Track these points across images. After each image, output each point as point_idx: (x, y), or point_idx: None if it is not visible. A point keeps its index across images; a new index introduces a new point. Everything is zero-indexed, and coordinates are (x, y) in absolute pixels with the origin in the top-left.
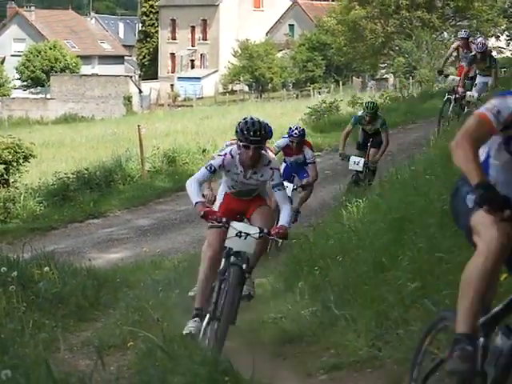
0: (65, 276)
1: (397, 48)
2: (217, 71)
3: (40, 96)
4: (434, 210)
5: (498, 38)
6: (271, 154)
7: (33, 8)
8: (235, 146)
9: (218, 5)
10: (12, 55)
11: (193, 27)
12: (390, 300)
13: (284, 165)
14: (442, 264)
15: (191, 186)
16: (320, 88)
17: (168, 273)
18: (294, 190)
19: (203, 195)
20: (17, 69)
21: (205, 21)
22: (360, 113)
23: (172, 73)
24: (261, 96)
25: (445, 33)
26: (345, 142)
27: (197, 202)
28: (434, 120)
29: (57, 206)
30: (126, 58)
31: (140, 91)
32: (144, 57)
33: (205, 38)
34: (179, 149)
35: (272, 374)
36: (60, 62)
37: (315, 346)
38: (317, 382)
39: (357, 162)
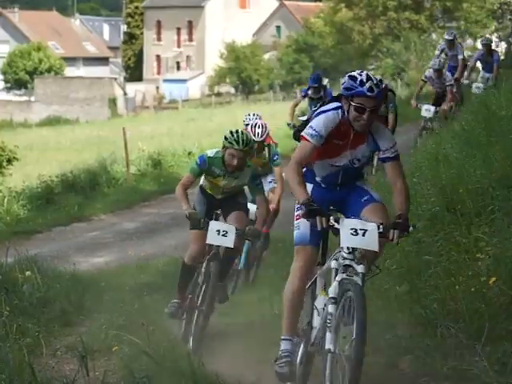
0: (48, 280)
1: (385, 50)
2: (203, 73)
3: (24, 98)
4: (421, 213)
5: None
6: None
7: (16, 9)
8: None
9: (203, 6)
10: None
11: (178, 29)
12: (377, 304)
13: None
14: (429, 268)
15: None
16: None
17: (152, 277)
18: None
19: None
20: (1, 70)
21: (190, 22)
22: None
23: (157, 75)
24: (247, 98)
25: (433, 34)
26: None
27: None
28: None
29: (41, 209)
30: (110, 59)
31: (125, 93)
32: (129, 58)
33: (190, 40)
34: (165, 151)
35: (257, 378)
36: (44, 64)
37: None
38: None
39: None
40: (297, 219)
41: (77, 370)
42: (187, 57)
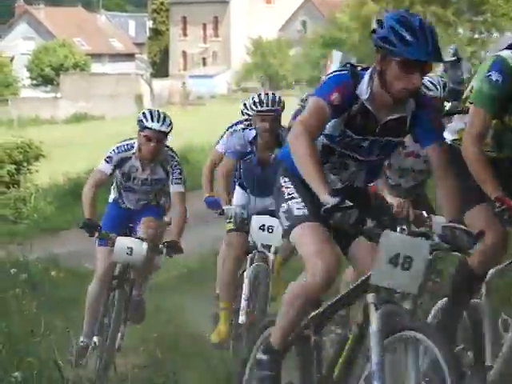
0: (75, 278)
1: None
2: (229, 69)
3: (50, 95)
4: None
5: None
6: None
7: (41, 6)
8: None
9: (228, 1)
10: (22, 54)
11: (204, 24)
12: None
13: None
14: None
15: None
16: None
17: (178, 273)
18: None
19: None
20: (27, 67)
21: (216, 18)
22: None
23: (184, 70)
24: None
25: (460, 28)
26: None
27: None
28: None
29: (68, 206)
30: (136, 55)
31: (151, 89)
32: (155, 55)
33: (216, 35)
34: (192, 147)
35: None
36: (70, 60)
37: None
38: None
39: None
40: None
41: (103, 366)
42: (213, 52)
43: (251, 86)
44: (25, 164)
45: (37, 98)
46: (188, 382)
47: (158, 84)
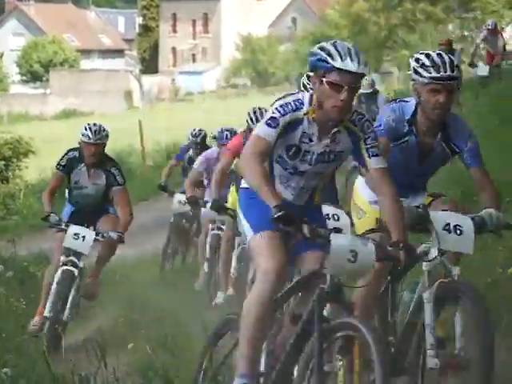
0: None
1: (401, 41)
2: (218, 65)
3: (39, 91)
4: None
5: (502, 29)
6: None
7: (32, 2)
8: None
9: None
10: (11, 50)
11: (194, 21)
12: None
13: None
14: None
15: None
16: None
17: (169, 270)
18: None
19: None
20: (16, 63)
21: (206, 14)
22: None
23: (173, 67)
24: (263, 90)
25: (449, 25)
26: None
27: None
28: None
29: (57, 202)
30: (126, 52)
31: (141, 86)
32: (144, 51)
33: (206, 32)
34: (181, 144)
35: None
36: (59, 57)
37: None
38: None
39: None
40: None
41: (93, 363)
42: (203, 49)
43: (240, 83)
44: (14, 160)
45: (26, 94)
46: (179, 379)
47: (148, 80)
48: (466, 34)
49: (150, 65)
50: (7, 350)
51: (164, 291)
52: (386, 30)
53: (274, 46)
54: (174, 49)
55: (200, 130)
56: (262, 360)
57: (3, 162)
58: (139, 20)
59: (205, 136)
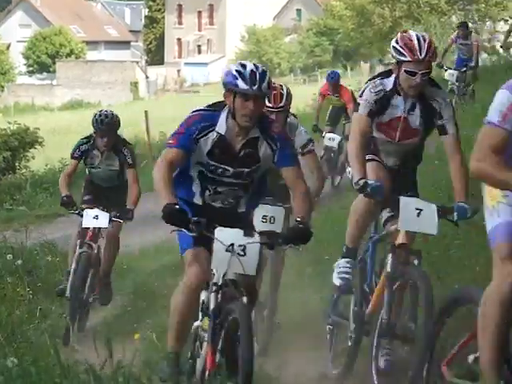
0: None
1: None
2: (224, 57)
3: (46, 82)
4: (441, 196)
5: (506, 21)
6: None
7: None
8: None
9: None
10: (18, 41)
11: (199, 12)
12: None
13: None
14: (450, 249)
15: None
16: None
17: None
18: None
19: None
20: (23, 54)
21: (211, 5)
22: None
23: (179, 58)
24: None
25: (453, 17)
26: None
27: None
28: None
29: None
30: (132, 43)
31: (146, 77)
32: (150, 42)
33: (211, 23)
34: None
35: None
36: (65, 48)
37: None
38: None
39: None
40: None
41: (99, 353)
42: (208, 40)
43: None
44: (21, 150)
45: (33, 85)
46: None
47: (153, 71)
48: (470, 25)
49: (155, 56)
50: (14, 338)
51: (172, 280)
52: (391, 22)
53: (278, 37)
54: (179, 40)
55: None
56: None
57: (10, 153)
58: (145, 11)
59: None
